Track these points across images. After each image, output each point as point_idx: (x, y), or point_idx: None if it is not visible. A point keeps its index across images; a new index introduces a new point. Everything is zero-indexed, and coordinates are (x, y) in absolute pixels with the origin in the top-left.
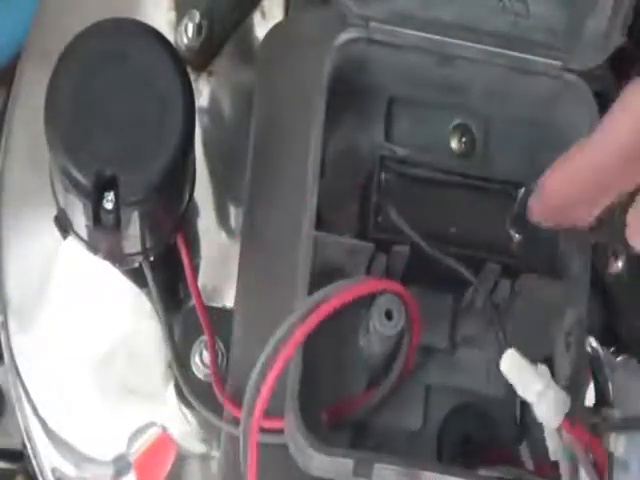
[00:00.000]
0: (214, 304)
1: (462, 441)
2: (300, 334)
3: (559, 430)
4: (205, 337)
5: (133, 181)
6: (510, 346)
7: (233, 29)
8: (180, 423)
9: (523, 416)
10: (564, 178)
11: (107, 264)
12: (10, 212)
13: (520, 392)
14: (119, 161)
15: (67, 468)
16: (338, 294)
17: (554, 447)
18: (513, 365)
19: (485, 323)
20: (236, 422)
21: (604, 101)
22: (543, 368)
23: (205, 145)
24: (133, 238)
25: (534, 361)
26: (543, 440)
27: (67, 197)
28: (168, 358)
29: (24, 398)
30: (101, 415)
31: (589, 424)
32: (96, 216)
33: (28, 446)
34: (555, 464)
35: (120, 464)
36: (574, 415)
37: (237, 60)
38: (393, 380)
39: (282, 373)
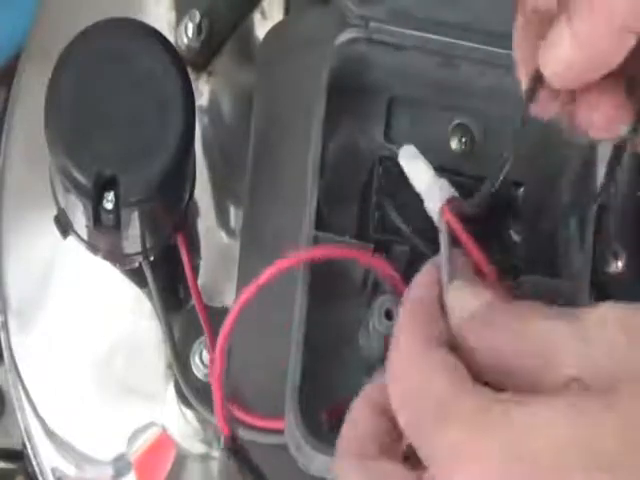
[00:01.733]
0: (214, 304)
1: None
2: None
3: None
4: (205, 337)
5: (133, 181)
6: None
7: (233, 29)
8: (180, 423)
9: None
10: None
11: (107, 264)
12: (10, 212)
13: (412, 181)
14: (119, 161)
15: (67, 468)
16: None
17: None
18: (410, 155)
19: None
20: (236, 422)
21: None
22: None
23: (205, 145)
24: (133, 238)
25: None
26: None
27: (67, 197)
28: (168, 358)
29: (24, 398)
30: (101, 415)
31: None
32: (96, 216)
33: (28, 446)
34: None
35: (120, 464)
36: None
37: (237, 60)
38: None
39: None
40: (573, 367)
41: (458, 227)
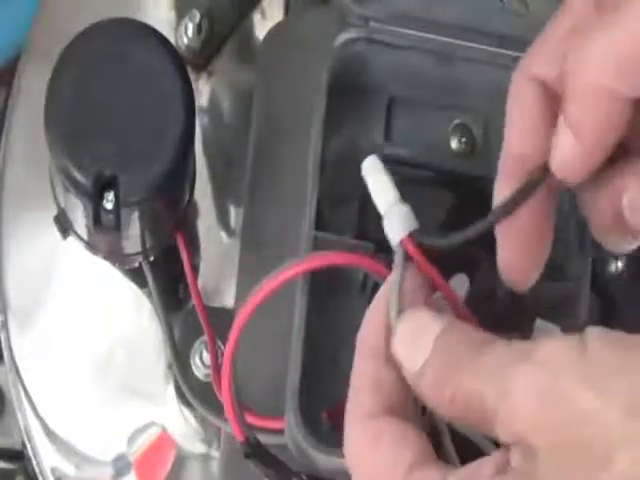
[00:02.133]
0: (214, 304)
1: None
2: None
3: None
4: (205, 337)
5: (133, 181)
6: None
7: (233, 29)
8: (180, 423)
9: None
10: None
11: (107, 264)
12: (10, 212)
13: (373, 198)
14: (119, 161)
15: (67, 468)
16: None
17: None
18: (374, 169)
19: None
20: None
21: None
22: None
23: (205, 145)
24: (133, 238)
25: None
26: None
27: (67, 197)
28: (168, 358)
29: (24, 398)
30: (101, 415)
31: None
32: (96, 216)
33: (28, 446)
34: None
35: (120, 464)
36: (418, 237)
37: (237, 60)
38: None
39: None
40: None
41: (421, 260)
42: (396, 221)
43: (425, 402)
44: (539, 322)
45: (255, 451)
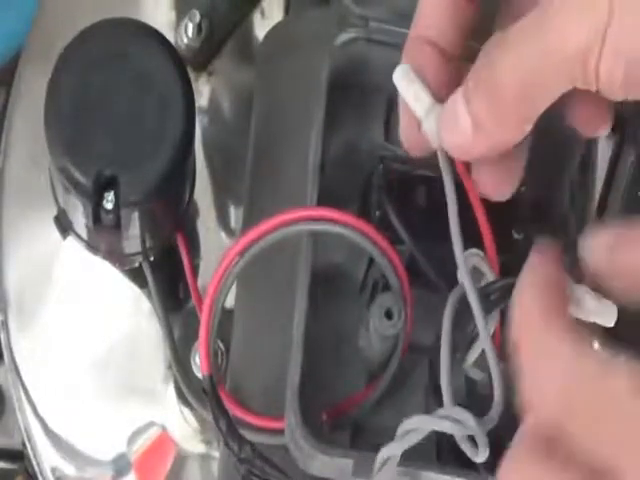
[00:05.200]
0: None
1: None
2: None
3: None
4: None
5: (133, 181)
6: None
7: (233, 29)
8: (180, 423)
9: None
10: None
11: (107, 264)
12: (10, 212)
13: (411, 105)
14: (119, 161)
15: (67, 468)
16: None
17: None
18: (405, 77)
19: None
20: (236, 422)
21: None
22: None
23: (205, 145)
24: (133, 238)
25: None
26: None
27: (67, 197)
28: (168, 358)
29: (24, 398)
30: (101, 415)
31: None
32: (96, 216)
33: (28, 446)
34: None
35: (120, 464)
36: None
37: (237, 60)
38: (391, 377)
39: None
40: None
41: (462, 165)
42: (433, 123)
43: None
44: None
45: (250, 458)
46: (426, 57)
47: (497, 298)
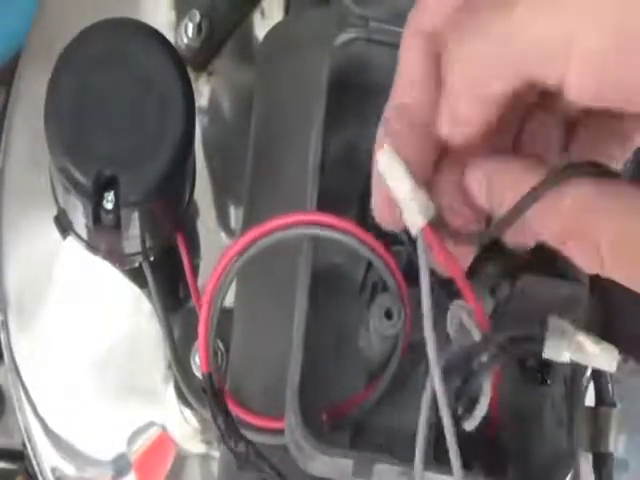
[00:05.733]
0: None
1: (462, 441)
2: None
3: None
4: None
5: (133, 181)
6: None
7: (233, 29)
8: (180, 423)
9: (527, 418)
10: None
11: (107, 264)
12: (10, 212)
13: (393, 189)
14: (119, 161)
15: (67, 468)
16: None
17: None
18: (390, 161)
19: None
20: (236, 422)
21: None
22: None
23: (205, 145)
24: (133, 238)
25: (533, 363)
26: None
27: (67, 197)
28: (168, 358)
29: (24, 398)
30: (101, 415)
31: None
32: (96, 216)
33: (28, 446)
34: None
35: (120, 464)
36: (438, 226)
37: (237, 60)
38: (391, 377)
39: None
40: None
41: (440, 248)
42: (413, 211)
43: None
44: (553, 320)
45: (247, 457)
46: (407, 131)
47: (490, 357)
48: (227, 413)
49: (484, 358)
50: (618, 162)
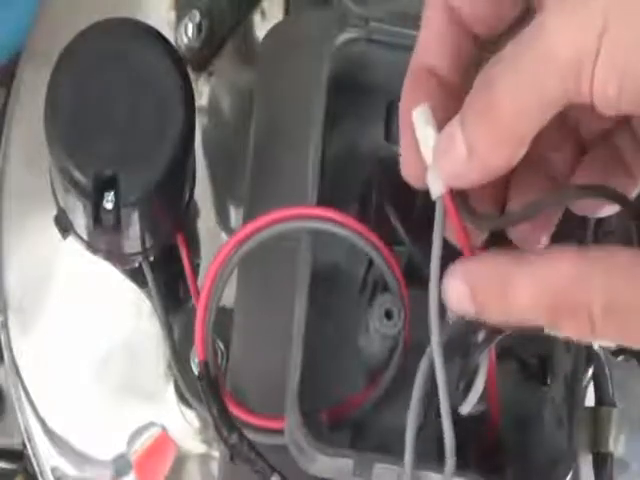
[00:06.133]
0: None
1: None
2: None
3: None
4: None
5: (133, 181)
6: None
7: (233, 29)
8: (180, 423)
9: (526, 418)
10: None
11: (107, 264)
12: (10, 212)
13: (422, 148)
14: (119, 161)
15: (67, 468)
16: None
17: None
18: (423, 119)
19: None
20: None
21: None
22: None
23: (205, 145)
24: (133, 238)
25: (533, 363)
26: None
27: (67, 197)
28: (168, 358)
29: (24, 398)
30: (101, 415)
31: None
32: (96, 216)
33: (28, 446)
34: None
35: (120, 464)
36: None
37: (237, 60)
38: (391, 377)
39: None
40: None
41: (455, 216)
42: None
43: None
44: None
45: (240, 449)
46: (432, 91)
47: (486, 336)
48: (221, 402)
49: (480, 337)
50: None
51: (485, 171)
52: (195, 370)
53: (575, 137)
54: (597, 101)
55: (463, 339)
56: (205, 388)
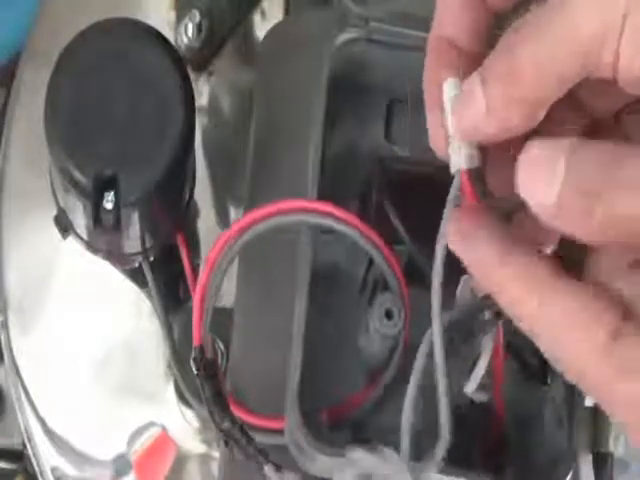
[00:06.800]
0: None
1: (463, 441)
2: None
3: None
4: None
5: (133, 181)
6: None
7: (233, 29)
8: (180, 423)
9: (527, 417)
10: None
11: (107, 264)
12: (10, 212)
13: (448, 120)
14: (119, 161)
15: (67, 468)
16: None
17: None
18: (452, 91)
19: None
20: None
21: None
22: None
23: (205, 145)
24: (133, 238)
25: (533, 363)
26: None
27: (67, 197)
28: (168, 358)
29: (24, 398)
30: (101, 415)
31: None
32: (96, 216)
33: (28, 446)
34: None
35: (120, 464)
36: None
37: (237, 60)
38: (391, 377)
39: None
40: None
41: (471, 194)
42: (459, 152)
43: (569, 235)
44: None
45: (232, 435)
46: (454, 62)
47: (493, 314)
48: (216, 385)
49: (486, 316)
50: None
51: (502, 127)
52: (195, 370)
53: (585, 117)
54: (622, 77)
55: (468, 323)
56: (200, 373)
